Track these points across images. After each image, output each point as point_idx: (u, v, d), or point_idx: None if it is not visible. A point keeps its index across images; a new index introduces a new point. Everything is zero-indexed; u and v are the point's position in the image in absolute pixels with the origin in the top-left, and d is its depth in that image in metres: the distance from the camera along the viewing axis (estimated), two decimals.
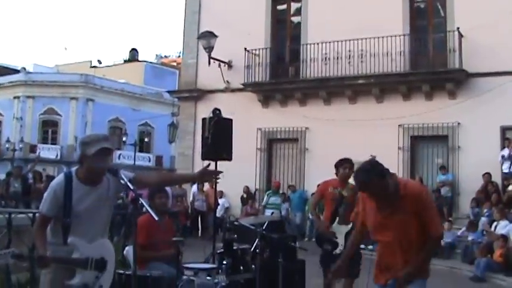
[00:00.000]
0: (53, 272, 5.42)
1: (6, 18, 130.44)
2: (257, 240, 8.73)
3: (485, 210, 18.42)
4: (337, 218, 9.26)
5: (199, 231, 23.71)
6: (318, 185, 10.26)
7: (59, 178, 5.56)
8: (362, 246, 9.71)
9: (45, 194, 5.53)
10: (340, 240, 9.17)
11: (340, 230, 9.20)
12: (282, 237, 10.54)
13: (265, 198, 22.22)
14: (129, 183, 5.33)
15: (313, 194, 22.28)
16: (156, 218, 5.35)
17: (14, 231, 8.37)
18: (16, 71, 55.07)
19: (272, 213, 18.79)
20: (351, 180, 9.54)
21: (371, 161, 5.79)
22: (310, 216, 22.22)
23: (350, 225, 9.23)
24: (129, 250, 7.73)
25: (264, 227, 9.45)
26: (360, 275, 9.02)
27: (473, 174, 19.98)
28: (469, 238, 17.51)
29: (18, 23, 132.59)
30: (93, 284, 5.41)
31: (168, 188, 21.12)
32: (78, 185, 5.44)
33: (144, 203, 5.31)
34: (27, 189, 22.52)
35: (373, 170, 5.42)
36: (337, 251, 9.12)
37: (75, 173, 5.52)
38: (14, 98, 50.76)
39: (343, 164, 9.52)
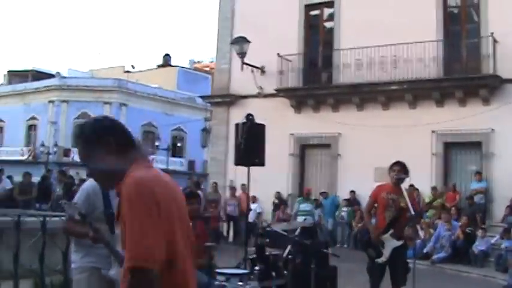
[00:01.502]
0: (87, 277, 5.50)
1: (42, 24, 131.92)
2: (289, 246, 8.75)
3: None
4: (391, 230, 9.22)
5: (231, 236, 23.74)
6: (376, 187, 10.08)
7: (92, 181, 5.56)
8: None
9: (76, 196, 5.67)
10: (386, 252, 9.14)
11: (390, 243, 9.17)
12: (314, 243, 10.56)
13: (296, 205, 22.17)
14: None
15: (345, 199, 22.40)
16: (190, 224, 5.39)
17: (48, 235, 8.45)
18: (51, 76, 55.65)
19: (305, 219, 18.79)
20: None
21: (105, 116, 3.78)
22: (341, 221, 22.26)
23: (401, 242, 9.25)
24: None
25: (296, 233, 9.48)
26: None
27: (508, 181, 19.76)
28: (503, 246, 17.32)
29: (54, 29, 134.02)
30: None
31: (200, 193, 21.31)
32: (111, 191, 5.48)
33: None
34: (70, 193, 22.75)
35: (92, 125, 3.48)
36: (379, 260, 9.12)
37: None
38: (49, 102, 51.33)
39: (392, 166, 9.48)
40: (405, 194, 9.50)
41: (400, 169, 9.37)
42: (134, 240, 2.94)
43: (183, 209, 3.29)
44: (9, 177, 24.45)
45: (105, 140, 3.30)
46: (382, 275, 9.27)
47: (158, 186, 3.12)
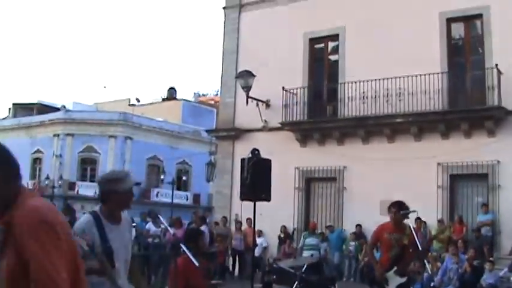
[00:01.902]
0: None
1: (47, 57, 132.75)
2: (296, 282, 8.70)
3: None
4: (395, 268, 9.24)
5: (237, 271, 23.62)
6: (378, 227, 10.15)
7: (86, 217, 5.58)
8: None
9: None
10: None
11: (394, 281, 9.19)
12: (321, 279, 10.52)
13: (302, 240, 22.10)
14: (169, 228, 5.39)
15: (352, 233, 22.29)
16: (197, 264, 5.39)
17: None
18: (56, 109, 55.90)
19: (312, 254, 18.70)
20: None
21: None
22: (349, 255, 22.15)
23: (405, 279, 9.27)
24: None
25: (303, 270, 9.44)
26: None
27: None
28: None
29: (59, 62, 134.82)
30: None
31: (204, 228, 21.31)
32: (105, 223, 5.49)
33: (186, 250, 5.34)
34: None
35: None
36: None
37: (99, 211, 5.55)
38: (54, 135, 51.47)
39: (390, 208, 9.54)
40: (411, 229, 9.52)
41: (396, 210, 9.41)
42: (49, 276, 2.66)
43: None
44: None
45: None
46: None
47: (58, 216, 2.88)
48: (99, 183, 5.58)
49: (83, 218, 5.64)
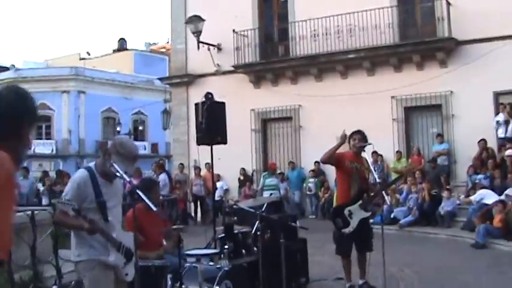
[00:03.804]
0: (92, 271, 5.58)
1: None
2: (257, 222, 8.72)
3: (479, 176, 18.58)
4: (360, 201, 9.24)
5: (199, 216, 23.72)
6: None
7: (82, 172, 5.82)
8: (371, 221, 9.91)
9: (67, 188, 5.76)
10: (354, 222, 9.18)
11: (358, 214, 9.21)
12: (282, 217, 10.57)
13: (261, 180, 22.23)
14: (124, 175, 5.38)
15: (311, 170, 22.45)
16: (155, 209, 5.42)
17: (14, 230, 8.32)
18: (5, 69, 54.79)
19: (271, 194, 18.81)
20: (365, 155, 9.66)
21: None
22: (308, 193, 22.38)
23: (369, 214, 9.33)
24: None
25: (263, 209, 9.46)
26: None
27: (469, 141, 19.95)
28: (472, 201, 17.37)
29: (5, 20, 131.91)
30: (121, 268, 5.74)
31: (164, 176, 21.28)
32: (100, 179, 5.70)
33: (142, 195, 5.34)
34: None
35: None
36: (347, 230, 9.16)
37: (94, 168, 5.77)
38: None
39: (352, 135, 9.49)
40: (368, 162, 9.56)
41: (360, 138, 9.40)
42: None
43: None
44: None
45: None
46: (350, 243, 9.34)
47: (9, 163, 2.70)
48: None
49: (79, 173, 5.85)
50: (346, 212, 9.19)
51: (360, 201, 9.22)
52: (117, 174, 5.41)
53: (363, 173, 9.42)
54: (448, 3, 20.64)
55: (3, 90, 2.99)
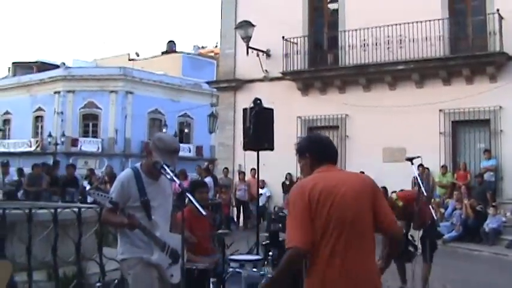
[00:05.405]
0: (135, 269, 5.64)
1: (46, 15, 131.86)
2: None
3: None
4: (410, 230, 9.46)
5: (241, 221, 23.76)
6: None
7: (127, 171, 5.90)
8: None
9: (112, 187, 5.84)
10: (418, 243, 9.65)
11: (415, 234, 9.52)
12: None
13: None
14: (174, 177, 5.40)
15: None
16: (204, 213, 5.46)
17: (60, 226, 8.45)
18: (56, 67, 55.62)
19: None
20: None
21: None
22: None
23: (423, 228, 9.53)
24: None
25: None
26: None
27: None
28: None
29: (58, 19, 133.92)
30: (166, 268, 5.74)
31: (209, 180, 21.32)
32: (145, 179, 5.74)
33: (191, 198, 5.36)
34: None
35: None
36: (417, 253, 9.51)
37: (140, 167, 5.82)
38: (55, 93, 51.29)
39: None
40: (416, 178, 9.66)
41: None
42: None
43: None
44: (20, 169, 24.45)
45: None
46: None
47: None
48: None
49: (125, 172, 5.92)
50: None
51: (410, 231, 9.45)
52: (168, 176, 5.44)
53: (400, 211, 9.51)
54: (501, 17, 20.39)
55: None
